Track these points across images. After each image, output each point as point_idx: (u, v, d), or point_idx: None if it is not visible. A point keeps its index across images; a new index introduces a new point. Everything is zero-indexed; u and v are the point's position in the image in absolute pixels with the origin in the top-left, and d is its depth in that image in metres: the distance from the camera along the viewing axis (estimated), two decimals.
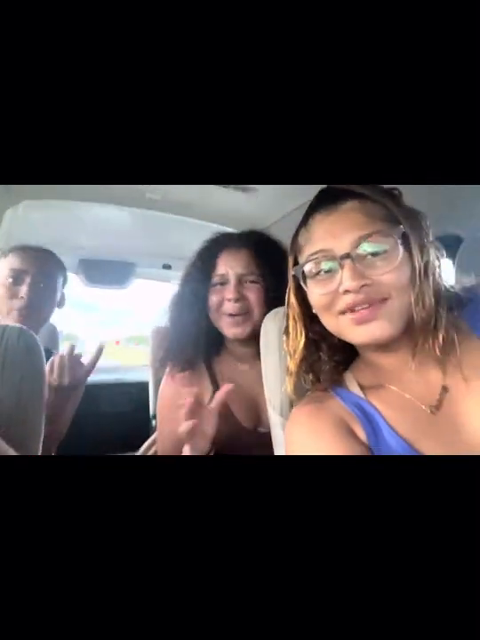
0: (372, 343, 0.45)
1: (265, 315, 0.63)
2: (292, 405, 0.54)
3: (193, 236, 1.68)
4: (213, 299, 0.74)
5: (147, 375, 1.74)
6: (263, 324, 0.61)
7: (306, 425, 0.47)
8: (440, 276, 0.47)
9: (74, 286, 1.83)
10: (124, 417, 1.76)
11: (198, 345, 0.77)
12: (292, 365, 0.51)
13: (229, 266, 0.73)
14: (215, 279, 0.75)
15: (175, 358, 0.79)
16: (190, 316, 0.76)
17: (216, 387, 0.76)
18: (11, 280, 0.87)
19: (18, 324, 0.83)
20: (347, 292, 0.43)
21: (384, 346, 0.45)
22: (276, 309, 0.61)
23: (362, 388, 0.49)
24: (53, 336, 1.37)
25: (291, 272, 0.51)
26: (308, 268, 0.47)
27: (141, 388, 1.80)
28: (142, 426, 1.63)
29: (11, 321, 0.86)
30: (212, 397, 0.70)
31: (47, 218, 1.41)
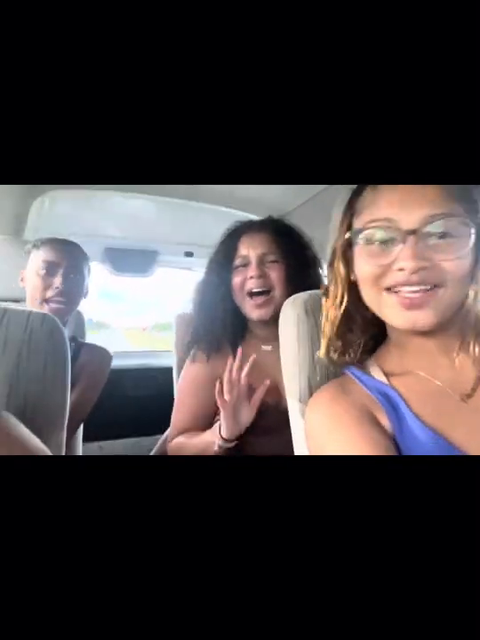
0: (413, 330, 0.42)
1: (287, 295, 0.64)
2: (311, 392, 0.54)
3: (214, 223, 1.68)
4: (236, 280, 0.78)
5: (171, 361, 1.78)
6: (282, 311, 0.61)
7: (327, 411, 0.46)
8: None
9: (100, 275, 1.88)
10: (149, 401, 1.81)
11: (225, 328, 0.81)
12: (328, 328, 0.49)
13: (251, 247, 0.77)
14: (237, 261, 0.78)
15: (201, 341, 0.83)
16: (215, 301, 0.80)
17: (240, 368, 0.80)
18: (44, 271, 0.92)
19: (45, 312, 0.88)
20: (401, 269, 0.40)
21: (423, 332, 0.43)
22: (295, 295, 0.61)
23: (386, 374, 0.47)
24: (80, 323, 1.42)
25: (342, 235, 0.48)
26: (365, 234, 0.43)
27: (166, 372, 1.84)
28: (166, 409, 1.68)
29: (45, 309, 0.91)
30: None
31: (72, 208, 1.45)
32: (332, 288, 0.50)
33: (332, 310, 0.49)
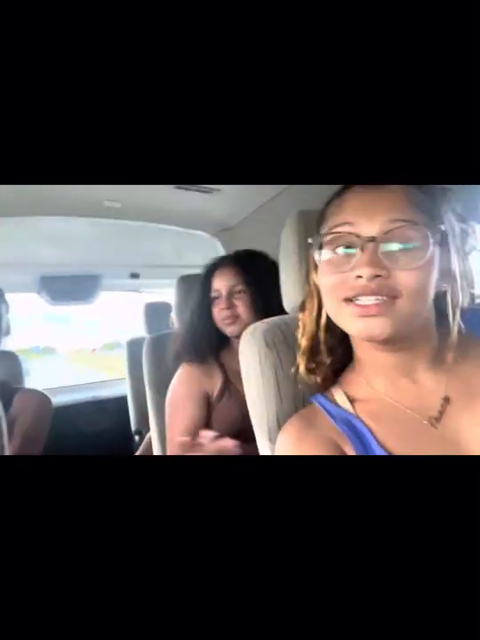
0: (369, 340, 0.42)
1: (253, 318, 0.71)
2: (279, 427, 0.51)
3: (159, 241, 1.66)
4: (214, 309, 0.93)
5: (123, 390, 1.69)
6: (241, 344, 0.57)
7: (295, 451, 0.45)
8: (472, 284, 0.44)
9: (39, 304, 1.74)
10: (104, 435, 1.69)
11: (210, 343, 0.94)
12: (304, 342, 0.48)
13: (222, 281, 0.92)
14: (213, 294, 0.93)
15: (189, 354, 0.94)
16: (200, 324, 0.93)
17: (225, 376, 0.91)
18: None
19: None
20: (359, 277, 0.39)
21: (383, 342, 0.42)
22: (254, 325, 0.57)
23: (351, 401, 0.46)
24: (13, 364, 1.29)
25: (314, 245, 0.47)
26: (327, 239, 0.43)
27: (118, 403, 1.74)
28: (124, 443, 1.57)
29: None
30: (223, 386, 0.89)
31: (3, 236, 1.33)
32: (307, 300, 0.49)
33: (308, 324, 0.48)
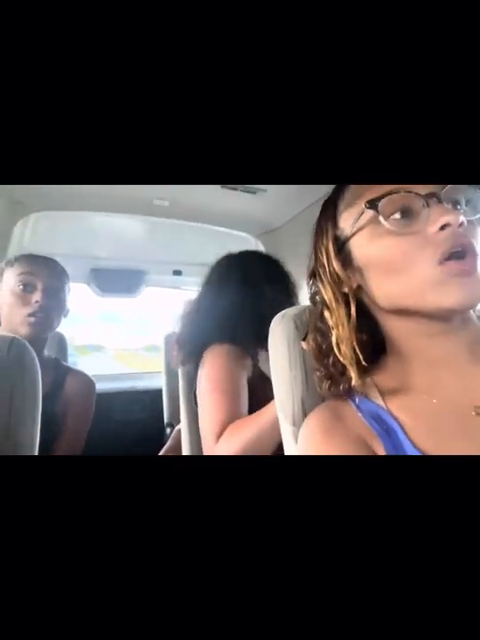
0: (464, 307, 0.36)
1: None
2: (305, 415, 0.50)
3: (203, 241, 1.69)
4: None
5: (159, 382, 1.73)
6: (271, 330, 0.58)
7: (319, 447, 0.41)
8: None
9: (88, 297, 1.85)
10: (138, 425, 1.75)
11: (261, 324, 0.91)
12: (345, 348, 0.42)
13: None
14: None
15: (238, 338, 0.89)
16: (252, 309, 0.90)
17: (255, 363, 0.89)
18: (21, 287, 0.86)
19: (24, 331, 0.84)
20: (444, 227, 0.35)
21: (449, 322, 0.38)
22: (284, 311, 0.58)
23: (382, 394, 0.42)
24: (62, 345, 1.37)
25: (327, 233, 0.44)
26: (382, 205, 0.37)
27: (154, 395, 1.79)
28: (156, 434, 1.62)
29: (23, 329, 0.85)
30: (252, 373, 0.86)
31: (57, 229, 1.42)
32: (334, 305, 0.43)
33: (341, 328, 0.42)
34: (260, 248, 1.57)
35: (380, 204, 0.38)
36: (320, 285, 0.45)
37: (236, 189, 1.09)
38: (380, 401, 0.42)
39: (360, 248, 0.41)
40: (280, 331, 0.55)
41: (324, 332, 0.45)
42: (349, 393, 0.44)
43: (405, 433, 0.38)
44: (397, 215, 0.38)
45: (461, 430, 0.37)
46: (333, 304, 0.43)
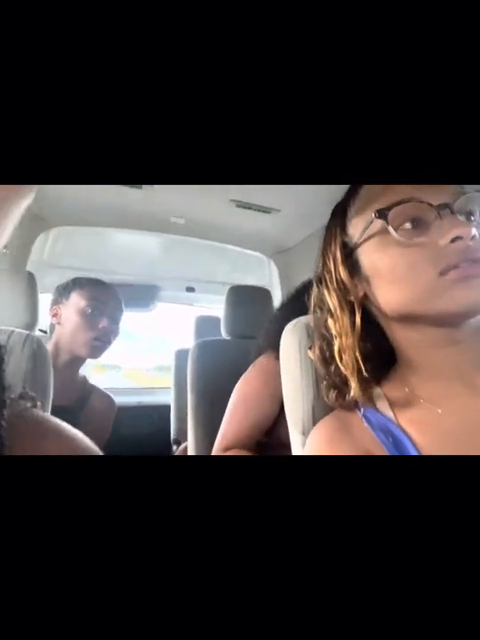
0: (468, 311, 0.36)
1: None
2: (315, 424, 0.49)
3: (216, 259, 1.72)
4: None
5: (167, 398, 1.73)
6: (283, 337, 0.57)
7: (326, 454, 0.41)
8: None
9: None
10: (144, 440, 1.74)
11: None
12: (347, 358, 0.42)
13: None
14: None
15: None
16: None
17: None
18: (90, 310, 0.91)
19: (87, 350, 0.88)
20: (456, 239, 0.35)
21: (457, 331, 0.38)
22: (296, 320, 0.57)
23: (392, 405, 0.41)
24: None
25: (335, 239, 0.43)
26: (392, 215, 0.37)
27: (162, 411, 1.78)
28: (162, 450, 1.60)
29: (85, 349, 0.90)
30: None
31: (76, 244, 1.47)
32: (338, 313, 0.43)
33: (345, 337, 0.42)
34: (273, 268, 1.58)
35: (390, 214, 0.38)
36: (325, 292, 0.45)
37: (250, 208, 1.11)
38: (389, 413, 0.41)
39: (368, 256, 0.41)
40: (292, 338, 0.54)
41: (328, 341, 0.45)
42: (357, 403, 0.43)
43: (414, 446, 0.37)
44: (408, 225, 0.37)
45: (472, 445, 0.36)
46: (338, 312, 0.43)
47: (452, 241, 0.35)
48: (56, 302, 0.94)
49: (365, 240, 0.41)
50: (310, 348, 0.48)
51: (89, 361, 1.00)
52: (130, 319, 2.67)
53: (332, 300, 0.44)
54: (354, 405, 0.43)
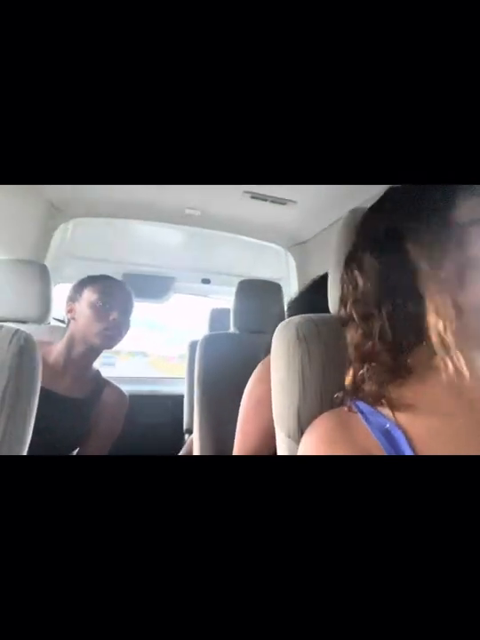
0: None
1: None
2: (301, 428, 0.48)
3: (232, 251, 1.71)
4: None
5: (182, 389, 1.75)
6: (274, 337, 0.56)
7: (323, 453, 0.40)
8: None
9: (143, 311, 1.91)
10: (158, 429, 1.77)
11: None
12: (363, 344, 0.42)
13: None
14: None
15: None
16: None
17: None
18: (101, 304, 0.96)
19: (98, 342, 0.92)
20: None
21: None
22: (288, 320, 0.56)
23: (392, 406, 0.41)
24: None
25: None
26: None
27: (177, 400, 1.80)
28: (175, 438, 1.63)
29: (98, 339, 0.94)
30: None
31: (94, 235, 1.49)
32: (369, 301, 0.42)
33: (369, 324, 0.42)
34: (290, 260, 1.57)
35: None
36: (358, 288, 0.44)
37: (265, 200, 1.10)
38: (389, 414, 0.40)
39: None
40: (282, 338, 0.53)
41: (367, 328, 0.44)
42: (357, 402, 0.43)
43: (414, 450, 0.37)
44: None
45: (474, 451, 0.35)
46: (364, 303, 0.42)
47: None
48: (71, 300, 0.99)
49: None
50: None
51: (117, 349, 1.04)
52: (155, 309, 2.74)
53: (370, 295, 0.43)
54: (354, 404, 0.43)
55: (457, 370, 0.38)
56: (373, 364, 0.42)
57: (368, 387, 0.42)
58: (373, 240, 0.43)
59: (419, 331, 0.41)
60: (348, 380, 0.43)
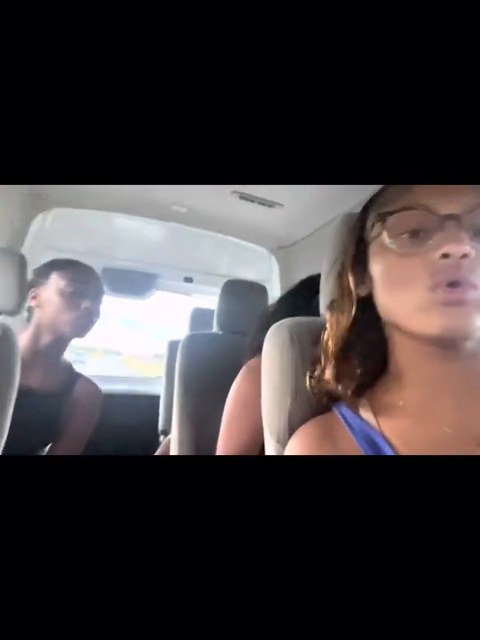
0: (449, 336, 0.35)
1: None
2: (291, 433, 0.47)
3: (215, 250, 1.70)
4: None
5: (158, 389, 1.71)
6: (266, 339, 0.56)
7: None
8: None
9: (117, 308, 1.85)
10: (131, 430, 1.73)
11: None
12: (332, 346, 0.42)
13: None
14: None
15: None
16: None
17: None
18: (71, 290, 0.90)
19: (69, 330, 0.87)
20: (445, 256, 0.33)
21: (453, 344, 0.36)
22: (281, 322, 0.55)
23: (375, 413, 0.40)
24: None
25: (353, 240, 0.43)
26: (395, 218, 0.37)
27: (151, 401, 1.77)
28: (149, 440, 1.59)
29: (68, 327, 0.89)
30: None
31: (73, 225, 1.44)
32: (337, 302, 0.44)
33: (335, 326, 0.43)
34: (274, 263, 1.57)
35: (390, 220, 0.37)
36: (337, 280, 0.46)
37: (253, 201, 1.10)
38: (373, 422, 0.40)
39: (371, 258, 0.41)
40: (274, 340, 0.52)
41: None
42: (339, 407, 0.43)
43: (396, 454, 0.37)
44: (405, 234, 0.36)
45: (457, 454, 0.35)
46: (338, 303, 0.44)
47: (443, 257, 0.34)
48: (34, 284, 0.92)
49: (371, 241, 0.40)
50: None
51: (90, 346, 1.00)
52: (134, 307, 2.67)
53: (337, 289, 0.45)
54: (337, 409, 0.42)
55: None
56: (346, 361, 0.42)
57: (343, 389, 0.42)
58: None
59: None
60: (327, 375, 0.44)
